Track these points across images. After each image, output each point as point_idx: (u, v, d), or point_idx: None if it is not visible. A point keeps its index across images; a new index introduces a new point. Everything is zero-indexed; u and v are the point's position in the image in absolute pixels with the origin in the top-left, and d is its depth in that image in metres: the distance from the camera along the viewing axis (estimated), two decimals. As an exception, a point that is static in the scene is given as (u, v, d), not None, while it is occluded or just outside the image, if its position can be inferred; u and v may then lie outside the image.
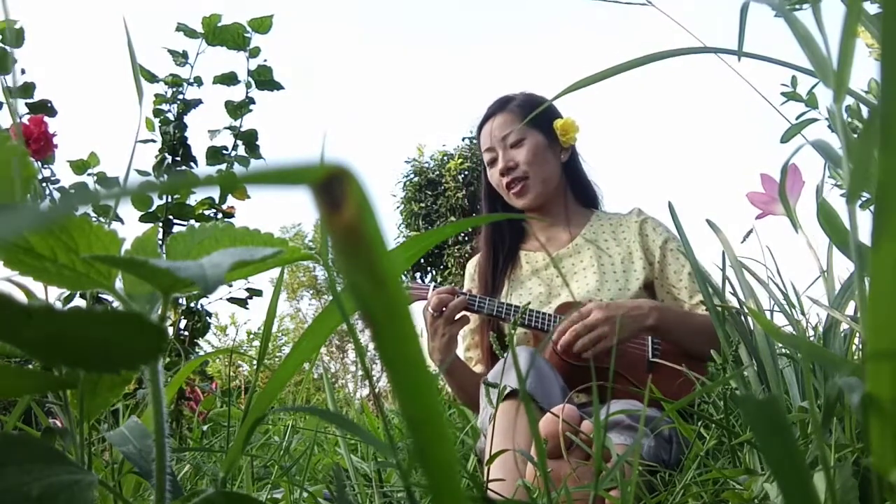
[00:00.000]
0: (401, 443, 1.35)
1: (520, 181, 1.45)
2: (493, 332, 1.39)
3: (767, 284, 0.76)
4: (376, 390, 0.38)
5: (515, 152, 1.46)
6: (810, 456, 0.53)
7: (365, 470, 1.09)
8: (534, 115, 1.39)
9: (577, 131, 1.50)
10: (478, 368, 1.50)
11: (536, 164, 1.45)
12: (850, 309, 0.63)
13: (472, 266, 1.62)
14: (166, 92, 1.92)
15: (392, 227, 9.71)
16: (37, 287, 0.38)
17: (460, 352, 1.47)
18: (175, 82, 1.90)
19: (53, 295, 0.42)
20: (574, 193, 1.56)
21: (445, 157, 9.56)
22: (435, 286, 1.39)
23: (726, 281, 0.75)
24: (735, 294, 0.74)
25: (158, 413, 0.34)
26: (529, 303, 1.40)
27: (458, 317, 1.32)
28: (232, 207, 1.95)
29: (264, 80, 1.89)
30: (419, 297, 1.40)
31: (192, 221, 1.87)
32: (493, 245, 1.55)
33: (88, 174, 1.81)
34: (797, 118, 1.19)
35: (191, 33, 1.83)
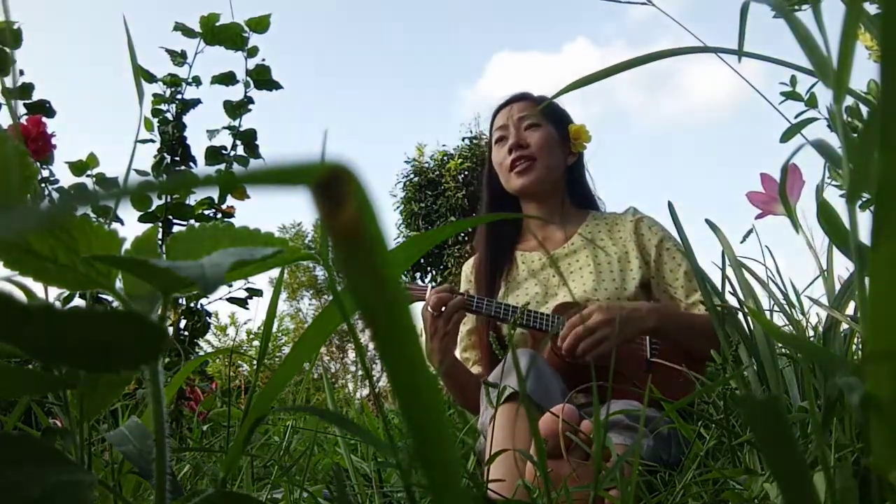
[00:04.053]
0: (401, 443, 1.35)
1: (526, 160, 1.49)
2: (492, 332, 1.39)
3: (767, 284, 0.76)
4: (376, 390, 0.38)
5: (529, 133, 1.51)
6: (810, 456, 0.53)
7: (365, 470, 1.09)
8: (547, 102, 1.47)
9: (589, 140, 1.55)
10: (475, 369, 1.50)
11: (546, 150, 1.50)
12: (850, 309, 0.63)
13: (468, 268, 1.62)
14: (165, 92, 1.92)
15: (392, 227, 9.72)
16: (37, 287, 0.38)
17: (457, 353, 1.48)
18: (173, 82, 1.90)
19: (53, 295, 0.42)
20: (571, 196, 1.58)
21: (445, 157, 9.57)
22: (433, 286, 1.39)
23: (726, 281, 0.75)
24: (735, 294, 0.74)
25: (158, 413, 0.34)
26: (528, 303, 1.40)
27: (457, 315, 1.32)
28: (231, 207, 1.95)
29: (263, 79, 1.89)
30: (418, 297, 1.41)
31: (192, 221, 1.87)
32: (491, 245, 1.56)
33: (87, 175, 1.81)
34: (796, 117, 1.19)
35: (189, 33, 1.83)
